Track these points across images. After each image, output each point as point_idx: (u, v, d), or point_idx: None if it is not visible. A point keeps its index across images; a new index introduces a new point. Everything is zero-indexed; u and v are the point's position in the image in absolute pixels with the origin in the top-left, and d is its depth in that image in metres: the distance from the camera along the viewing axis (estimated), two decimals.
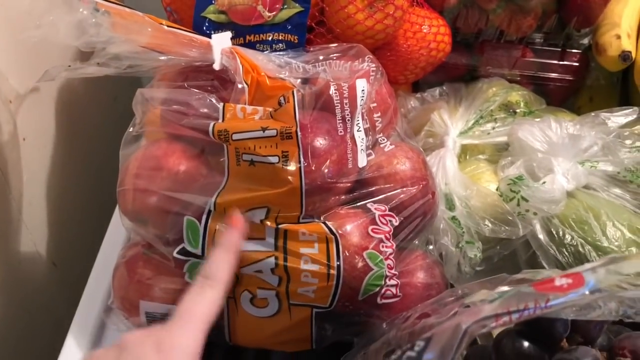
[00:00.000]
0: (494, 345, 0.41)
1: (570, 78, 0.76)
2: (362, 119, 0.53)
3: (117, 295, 0.55)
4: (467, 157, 0.68)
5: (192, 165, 0.53)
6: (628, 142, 0.61)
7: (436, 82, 0.78)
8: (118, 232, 0.69)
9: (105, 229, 0.72)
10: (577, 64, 0.76)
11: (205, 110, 0.52)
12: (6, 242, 0.72)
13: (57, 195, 0.83)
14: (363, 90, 0.52)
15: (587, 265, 0.33)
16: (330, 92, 0.51)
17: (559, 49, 0.76)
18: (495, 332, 0.43)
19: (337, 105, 0.51)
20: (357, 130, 0.52)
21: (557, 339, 0.40)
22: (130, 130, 0.57)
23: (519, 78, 0.77)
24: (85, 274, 0.69)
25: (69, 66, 0.59)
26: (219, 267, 0.45)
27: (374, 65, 0.55)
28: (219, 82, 0.55)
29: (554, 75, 0.76)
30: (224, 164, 0.50)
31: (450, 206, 0.59)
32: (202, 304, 0.42)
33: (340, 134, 0.51)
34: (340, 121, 0.51)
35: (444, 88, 0.75)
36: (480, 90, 0.72)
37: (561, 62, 0.76)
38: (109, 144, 0.64)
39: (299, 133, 0.48)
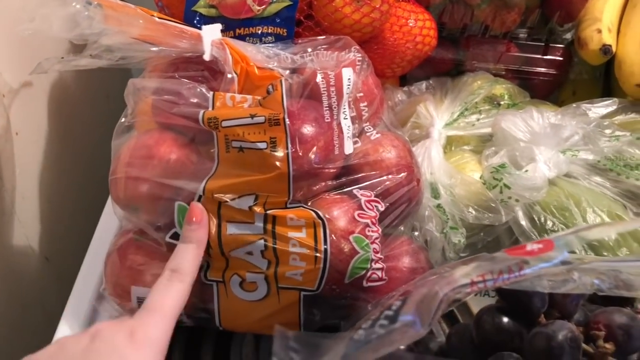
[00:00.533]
0: (474, 322, 0.43)
1: (554, 72, 0.78)
2: (349, 108, 0.54)
3: (109, 282, 0.56)
4: (453, 148, 0.69)
5: (183, 153, 0.54)
6: (608, 131, 0.62)
7: (424, 76, 0.80)
8: (110, 223, 0.70)
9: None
10: (560, 59, 0.78)
11: (196, 99, 0.54)
12: None
13: (50, 189, 0.83)
14: (349, 79, 0.53)
15: (558, 234, 0.35)
16: (317, 81, 0.52)
17: (543, 44, 0.78)
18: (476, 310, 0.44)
19: (324, 93, 0.52)
20: (344, 118, 0.53)
21: (535, 314, 0.41)
22: (123, 120, 0.58)
23: (504, 72, 0.79)
24: (78, 268, 0.69)
25: (62, 58, 0.60)
26: (188, 260, 0.47)
27: (359, 55, 0.56)
28: (209, 72, 0.57)
29: (538, 69, 0.78)
30: (214, 151, 0.52)
31: (436, 195, 0.61)
32: (171, 297, 0.44)
33: (326, 121, 0.52)
34: (327, 109, 0.53)
35: (431, 82, 0.76)
36: (466, 84, 0.74)
37: (545, 57, 0.78)
38: (101, 140, 0.65)
39: (287, 120, 0.50)
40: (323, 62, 0.55)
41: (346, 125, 0.53)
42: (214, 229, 0.50)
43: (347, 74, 0.53)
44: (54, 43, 0.79)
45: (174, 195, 0.52)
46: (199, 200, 0.51)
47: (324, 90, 0.52)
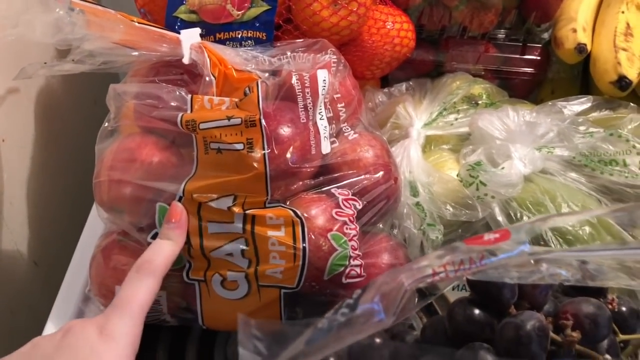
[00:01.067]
0: (447, 314, 0.44)
1: (532, 71, 0.79)
2: (325, 108, 0.56)
3: (94, 283, 0.57)
4: (432, 147, 0.70)
5: (164, 156, 0.55)
6: (582, 128, 0.64)
7: (404, 78, 0.81)
8: (96, 227, 0.70)
9: None
10: (538, 58, 0.79)
11: (175, 102, 0.55)
12: None
13: (37, 195, 0.84)
14: (324, 80, 0.55)
15: (516, 224, 0.36)
16: (292, 82, 0.54)
17: (520, 44, 0.79)
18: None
19: (299, 95, 0.54)
20: (320, 119, 0.55)
21: (505, 305, 0.42)
22: (106, 125, 0.60)
23: (483, 73, 0.80)
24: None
25: (45, 63, 0.61)
26: (160, 254, 0.47)
27: (335, 57, 0.58)
28: (189, 76, 0.58)
29: (516, 69, 0.79)
30: (193, 153, 0.53)
31: (414, 193, 0.62)
32: (139, 292, 0.44)
33: (302, 121, 0.53)
34: (303, 109, 0.54)
35: (411, 83, 0.78)
36: (445, 84, 0.75)
37: (523, 56, 0.79)
38: (88, 145, 0.66)
39: (263, 121, 0.51)
40: (299, 64, 0.56)
41: (322, 125, 0.55)
42: (195, 230, 0.51)
43: (322, 75, 0.55)
44: (40, 49, 0.80)
45: (155, 196, 0.53)
46: (179, 201, 0.52)
47: (299, 92, 0.54)
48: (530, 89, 0.83)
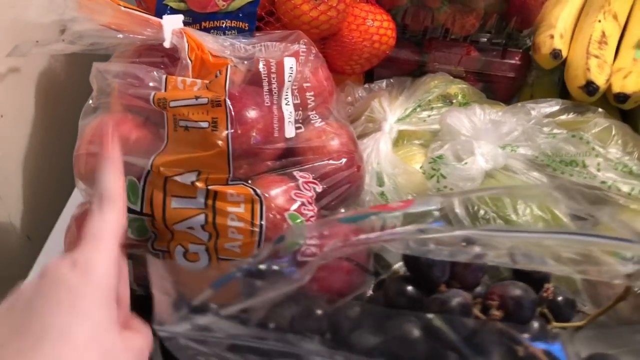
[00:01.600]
0: (383, 289, 0.46)
1: (512, 75, 0.81)
2: (292, 95, 0.58)
3: (67, 251, 0.60)
4: (405, 142, 0.73)
5: (140, 133, 0.58)
6: (546, 129, 0.66)
7: (389, 77, 0.83)
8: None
9: None
10: (518, 62, 0.81)
11: (152, 82, 0.58)
12: None
13: (33, 171, 0.87)
14: (291, 67, 0.58)
15: (423, 196, 0.38)
16: (259, 68, 0.57)
17: (501, 48, 0.81)
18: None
19: (265, 79, 0.57)
20: (286, 104, 0.57)
21: (435, 283, 0.45)
22: (90, 102, 0.63)
23: (464, 75, 0.82)
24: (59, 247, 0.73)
25: (37, 42, 0.65)
26: (110, 185, 0.45)
27: (304, 47, 0.61)
28: (169, 59, 0.61)
29: (496, 72, 0.81)
30: (163, 130, 0.56)
31: (380, 183, 0.64)
32: (105, 223, 0.43)
33: (266, 105, 0.56)
34: (267, 94, 0.57)
35: (391, 80, 0.80)
36: (423, 83, 0.77)
37: (503, 60, 0.81)
38: None
39: (228, 101, 0.54)
40: (271, 52, 0.59)
41: (288, 110, 0.57)
42: (159, 203, 0.54)
43: (289, 63, 0.58)
44: (42, 30, 0.83)
45: (126, 170, 0.56)
46: (147, 175, 0.55)
47: (265, 77, 0.57)
48: (511, 93, 0.85)
